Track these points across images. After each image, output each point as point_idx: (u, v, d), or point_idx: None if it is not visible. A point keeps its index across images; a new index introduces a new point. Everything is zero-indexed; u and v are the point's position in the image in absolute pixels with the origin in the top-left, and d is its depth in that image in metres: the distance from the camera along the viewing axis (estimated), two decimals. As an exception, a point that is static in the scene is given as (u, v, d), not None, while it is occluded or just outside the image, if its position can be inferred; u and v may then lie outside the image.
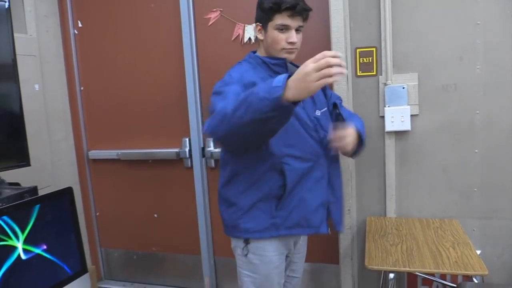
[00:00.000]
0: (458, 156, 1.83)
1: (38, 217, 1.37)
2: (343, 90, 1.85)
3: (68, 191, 1.51)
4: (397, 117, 1.83)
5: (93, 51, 2.39)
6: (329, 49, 1.86)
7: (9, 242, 1.27)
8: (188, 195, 2.31)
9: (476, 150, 1.81)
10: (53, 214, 1.43)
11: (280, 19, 1.33)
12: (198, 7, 2.14)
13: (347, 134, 1.33)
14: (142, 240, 2.49)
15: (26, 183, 1.71)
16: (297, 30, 1.37)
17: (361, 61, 1.88)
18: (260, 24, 1.40)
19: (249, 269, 1.44)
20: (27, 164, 1.73)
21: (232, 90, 1.24)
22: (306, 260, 1.72)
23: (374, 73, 1.87)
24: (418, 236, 1.69)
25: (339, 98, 1.64)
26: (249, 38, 2.05)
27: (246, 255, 1.41)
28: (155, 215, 2.43)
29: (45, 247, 1.38)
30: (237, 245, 1.45)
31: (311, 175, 1.38)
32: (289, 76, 1.02)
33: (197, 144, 2.22)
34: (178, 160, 2.30)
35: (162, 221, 2.43)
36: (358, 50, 1.88)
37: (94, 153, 2.48)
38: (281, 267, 1.47)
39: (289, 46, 1.36)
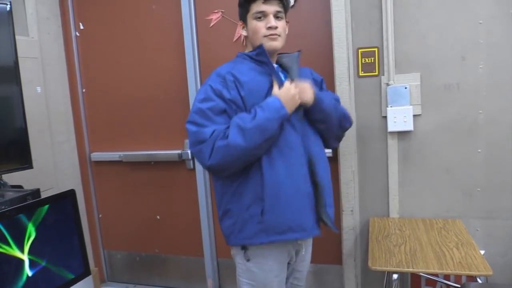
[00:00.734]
0: (461, 156, 1.83)
1: (40, 219, 1.37)
2: (345, 90, 1.85)
3: (71, 193, 1.50)
4: (400, 117, 1.83)
5: (95, 53, 2.39)
6: (331, 49, 1.86)
7: (11, 245, 1.27)
8: (191, 197, 2.31)
9: (479, 150, 1.81)
10: (56, 216, 1.43)
11: (256, 7, 1.35)
12: (199, 8, 2.14)
13: (303, 86, 1.34)
14: (144, 242, 2.49)
15: (28, 186, 1.71)
16: (277, 17, 1.37)
17: (363, 62, 1.87)
18: (242, 21, 1.42)
19: (248, 277, 1.41)
20: (30, 166, 1.73)
21: (215, 115, 1.30)
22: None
23: (376, 73, 1.87)
24: (421, 236, 1.69)
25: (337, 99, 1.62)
26: (251, 39, 2.05)
27: (248, 260, 1.38)
28: (158, 217, 2.43)
29: (47, 249, 1.38)
30: (235, 252, 1.43)
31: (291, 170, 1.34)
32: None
33: (199, 145, 2.22)
34: (180, 161, 2.29)
35: (164, 222, 2.42)
36: (360, 50, 1.87)
37: (97, 155, 2.48)
38: (281, 276, 1.44)
39: (270, 32, 1.36)
